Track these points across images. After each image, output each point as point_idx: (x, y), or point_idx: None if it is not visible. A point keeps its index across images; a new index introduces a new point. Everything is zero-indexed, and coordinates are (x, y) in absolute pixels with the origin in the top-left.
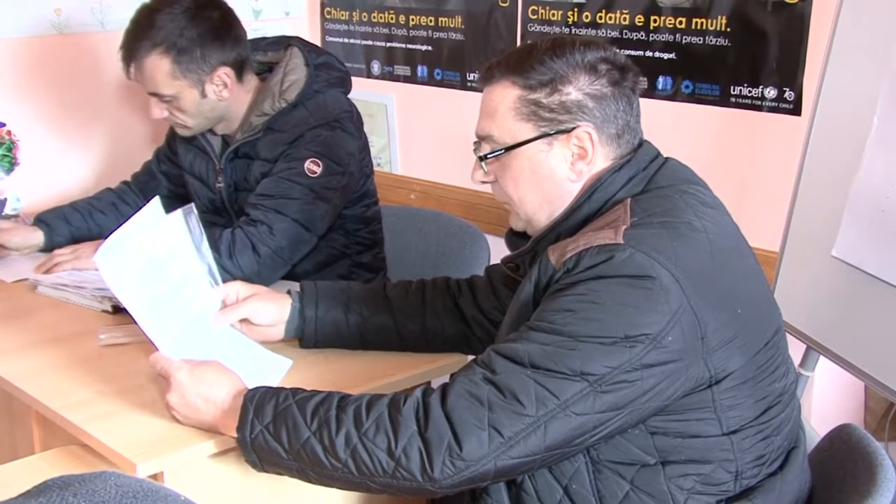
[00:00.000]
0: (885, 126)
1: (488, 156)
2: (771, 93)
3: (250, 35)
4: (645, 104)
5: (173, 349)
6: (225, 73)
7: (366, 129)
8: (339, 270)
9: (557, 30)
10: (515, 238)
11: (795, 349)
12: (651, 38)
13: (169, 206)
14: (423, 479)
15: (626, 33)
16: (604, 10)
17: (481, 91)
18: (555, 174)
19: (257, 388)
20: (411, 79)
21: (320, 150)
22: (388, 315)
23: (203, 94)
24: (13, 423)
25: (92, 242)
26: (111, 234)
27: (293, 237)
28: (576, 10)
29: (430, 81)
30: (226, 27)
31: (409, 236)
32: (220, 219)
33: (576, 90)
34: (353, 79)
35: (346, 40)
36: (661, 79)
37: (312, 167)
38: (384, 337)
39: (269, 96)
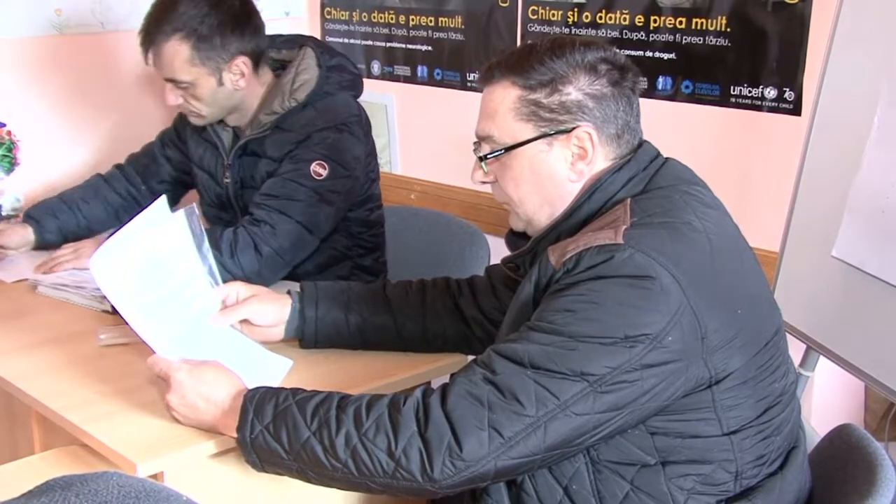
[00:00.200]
0: (885, 126)
1: (488, 156)
2: (771, 93)
3: None
4: (645, 104)
5: (171, 350)
6: (243, 63)
7: None
8: (341, 272)
9: (557, 30)
10: (515, 238)
11: (795, 349)
12: (651, 39)
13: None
14: (423, 479)
15: (626, 33)
16: (604, 11)
17: (481, 91)
18: (555, 174)
19: (257, 389)
20: (411, 79)
21: (327, 152)
22: (389, 315)
23: (220, 83)
24: (13, 423)
25: (93, 240)
26: (112, 234)
27: (296, 239)
28: (576, 10)
29: (431, 81)
30: (246, 17)
31: (409, 236)
32: (225, 214)
33: (576, 90)
34: None
35: (346, 40)
36: (661, 79)
37: (318, 169)
38: (384, 337)
39: (280, 95)
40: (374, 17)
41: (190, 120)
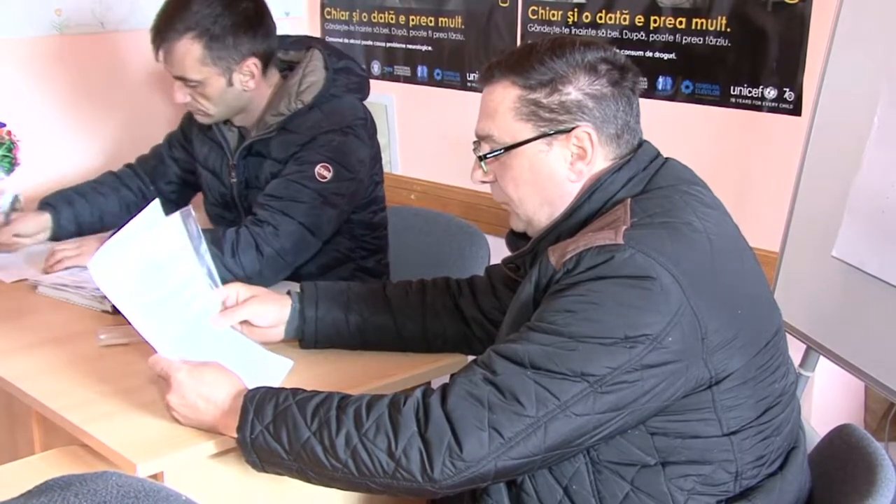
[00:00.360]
0: (885, 126)
1: (488, 156)
2: (771, 93)
3: None
4: (645, 104)
5: (172, 351)
6: (253, 64)
7: None
8: (343, 274)
9: (557, 30)
10: (516, 239)
11: (795, 349)
12: (651, 39)
13: (175, 193)
14: (424, 479)
15: (626, 33)
16: (604, 11)
17: (481, 91)
18: (554, 174)
19: (257, 389)
20: (411, 79)
21: (332, 155)
22: (389, 315)
23: (230, 83)
24: (13, 423)
25: (96, 237)
26: (110, 236)
27: (298, 240)
28: (576, 10)
29: (431, 81)
30: (258, 18)
31: (409, 236)
32: (229, 214)
33: (576, 90)
34: None
35: (346, 40)
36: (661, 79)
37: (323, 172)
38: (384, 337)
39: (286, 96)
40: (374, 17)
41: (196, 118)
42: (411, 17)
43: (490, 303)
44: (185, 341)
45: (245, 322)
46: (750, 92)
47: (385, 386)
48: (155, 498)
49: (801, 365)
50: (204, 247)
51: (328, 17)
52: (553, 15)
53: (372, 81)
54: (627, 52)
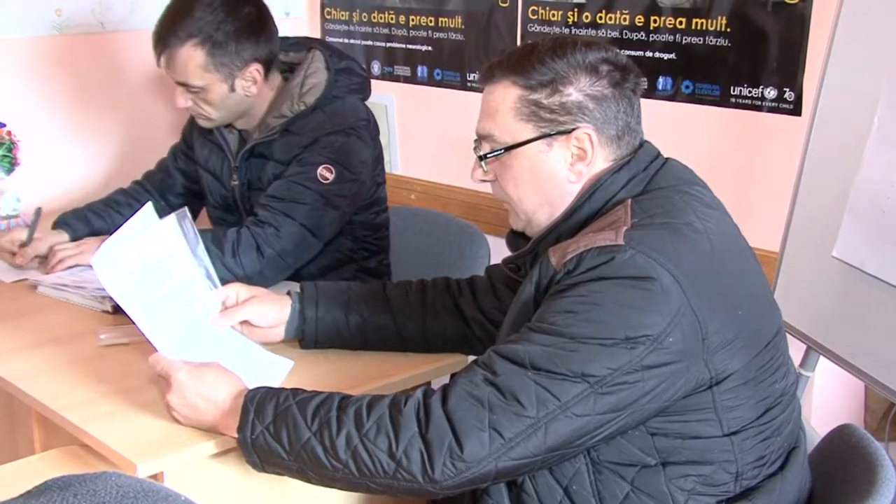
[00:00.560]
0: (885, 126)
1: (488, 155)
2: (771, 93)
3: None
4: (645, 104)
5: (173, 351)
6: (256, 70)
7: None
8: (344, 275)
9: (557, 30)
10: (516, 238)
11: (796, 349)
12: (651, 39)
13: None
14: (424, 480)
15: (626, 33)
16: (604, 11)
17: (482, 91)
18: (554, 175)
19: (258, 389)
20: (411, 79)
21: (334, 156)
22: (389, 315)
23: (232, 89)
24: (13, 423)
25: (96, 238)
26: (107, 237)
27: (299, 242)
28: (576, 10)
29: (431, 82)
30: (261, 23)
31: (409, 236)
32: (230, 216)
33: (576, 91)
34: None
35: (346, 40)
36: (661, 79)
37: (325, 173)
38: (384, 337)
39: (289, 98)
40: (374, 18)
41: (198, 122)
42: (411, 17)
43: (490, 303)
44: (185, 342)
45: (245, 322)
46: (750, 92)
47: (385, 386)
48: (154, 498)
49: (802, 365)
50: (201, 248)
51: (328, 17)
52: (553, 15)
53: (372, 81)
54: (627, 52)
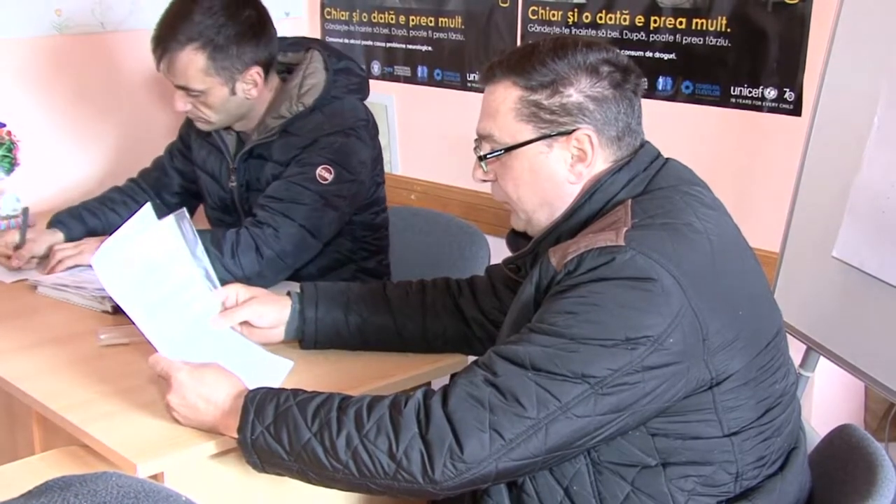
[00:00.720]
0: (885, 126)
1: (488, 156)
2: (771, 93)
3: None
4: (645, 104)
5: (173, 351)
6: (257, 73)
7: None
8: (344, 275)
9: (557, 30)
10: (516, 238)
11: (796, 349)
12: (651, 39)
13: (181, 204)
14: (424, 480)
15: (626, 34)
16: (604, 11)
17: (482, 91)
18: (554, 175)
19: (258, 389)
20: (411, 79)
21: (333, 157)
22: (389, 315)
23: (233, 92)
24: (13, 423)
25: (95, 238)
26: (107, 237)
27: (298, 242)
28: (576, 10)
29: (431, 82)
30: (261, 26)
31: (409, 237)
32: (228, 217)
33: (576, 92)
34: None
35: (346, 41)
36: (661, 79)
37: (324, 174)
38: (384, 337)
39: (287, 99)
40: (374, 18)
41: (197, 125)
42: (411, 17)
43: (490, 303)
44: (185, 342)
45: (245, 323)
46: (750, 92)
47: (385, 386)
48: (155, 498)
49: (802, 365)
50: (200, 248)
51: (328, 17)
52: (553, 15)
53: (372, 82)
54: (628, 53)
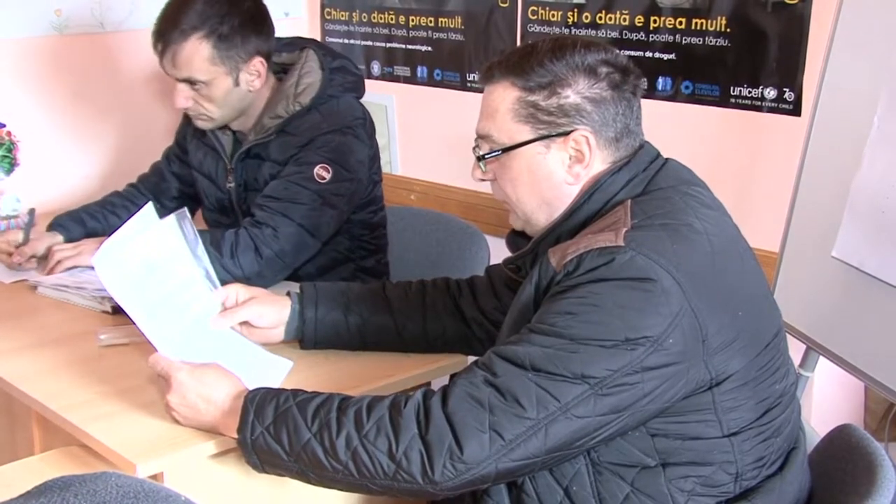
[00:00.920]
0: (885, 126)
1: (486, 156)
2: (771, 93)
3: None
4: (645, 105)
5: (173, 351)
6: (259, 62)
7: None
8: (343, 274)
9: (557, 30)
10: (516, 239)
11: (795, 350)
12: (651, 39)
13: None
14: (424, 481)
15: (625, 34)
16: (604, 11)
17: (482, 91)
18: (552, 176)
19: (258, 390)
20: (411, 79)
21: (331, 156)
22: (389, 316)
23: (236, 83)
24: (13, 423)
25: (94, 239)
26: (107, 237)
27: (297, 242)
28: (576, 10)
29: (430, 82)
30: (262, 16)
31: (409, 237)
32: (226, 219)
33: (574, 93)
34: None
35: (345, 41)
36: (660, 79)
37: (322, 173)
38: (384, 338)
39: (284, 99)
40: (374, 18)
41: (196, 124)
42: (411, 18)
43: (490, 303)
44: (185, 342)
45: (245, 323)
46: (750, 92)
47: (385, 386)
48: (154, 498)
49: (801, 365)
50: (201, 248)
51: (328, 17)
52: (553, 15)
53: (372, 82)
54: (627, 53)
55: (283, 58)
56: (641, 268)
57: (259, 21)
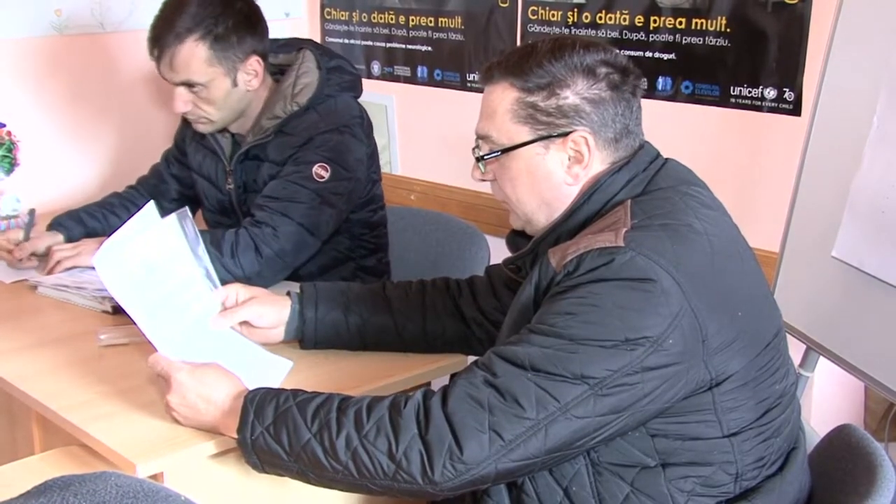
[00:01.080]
0: (885, 126)
1: (486, 156)
2: (771, 93)
3: None
4: (645, 105)
5: (173, 351)
6: (256, 61)
7: None
8: (343, 273)
9: (557, 30)
10: (516, 239)
11: (795, 350)
12: (651, 39)
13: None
14: (424, 481)
15: (625, 34)
16: (603, 11)
17: (482, 91)
18: (551, 177)
19: (258, 390)
20: (411, 79)
21: (329, 154)
22: (388, 316)
23: (234, 83)
24: (13, 423)
25: (94, 239)
26: (108, 236)
27: (297, 241)
28: (575, 10)
29: (430, 82)
30: (255, 15)
31: (409, 237)
32: (227, 220)
33: (573, 94)
34: None
35: (346, 41)
36: (660, 79)
37: (320, 172)
38: (384, 338)
39: (281, 99)
40: (374, 18)
41: (196, 128)
42: (411, 18)
43: (490, 303)
44: (185, 342)
45: (245, 323)
46: (750, 92)
47: (385, 386)
48: (154, 498)
49: (801, 365)
50: (202, 248)
51: (328, 17)
52: (553, 15)
53: (372, 82)
54: (627, 53)
55: (280, 59)
56: (641, 268)
57: (253, 20)
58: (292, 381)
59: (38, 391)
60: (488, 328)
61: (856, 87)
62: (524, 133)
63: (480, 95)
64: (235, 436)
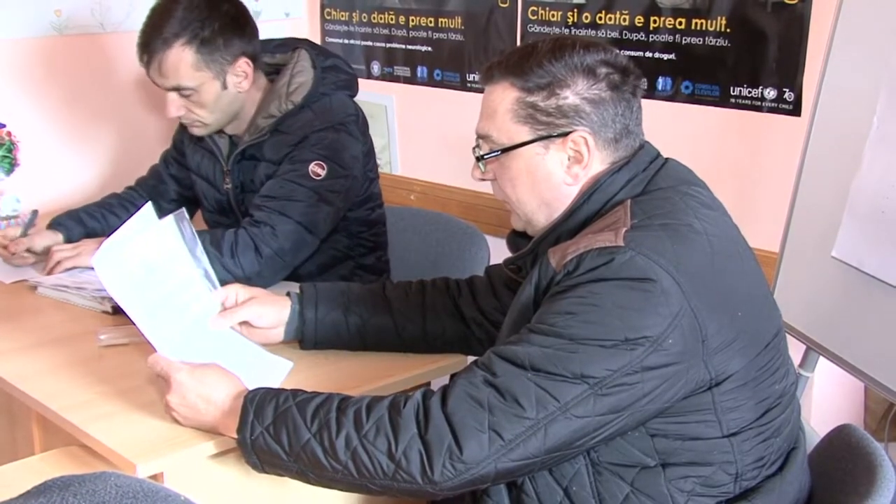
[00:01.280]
0: (885, 126)
1: (486, 156)
2: (771, 93)
3: None
4: (645, 105)
5: (173, 352)
6: (245, 63)
7: None
8: (343, 272)
9: (557, 30)
10: (517, 239)
11: (795, 350)
12: (651, 39)
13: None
14: (424, 481)
15: (625, 34)
16: (603, 11)
17: (482, 91)
18: (551, 177)
19: (257, 390)
20: (411, 79)
21: (325, 152)
22: (388, 316)
23: (224, 86)
24: (13, 424)
25: (93, 240)
26: (107, 237)
27: (296, 239)
28: (575, 10)
29: (430, 82)
30: (243, 17)
31: (408, 237)
32: (225, 220)
33: (573, 94)
34: None
35: (345, 41)
36: (660, 79)
37: (317, 170)
38: (384, 338)
39: (276, 98)
40: (374, 18)
41: (192, 132)
42: (411, 18)
43: (490, 303)
44: (185, 342)
45: (245, 323)
46: (750, 92)
47: (385, 386)
48: (154, 498)
49: (801, 365)
50: (200, 248)
51: (328, 17)
52: (553, 15)
53: (372, 82)
54: (627, 53)
55: (277, 59)
56: (641, 268)
57: (241, 22)
58: (292, 381)
59: (38, 391)
60: (488, 328)
61: (856, 87)
62: (524, 133)
63: (480, 95)
64: (235, 436)
